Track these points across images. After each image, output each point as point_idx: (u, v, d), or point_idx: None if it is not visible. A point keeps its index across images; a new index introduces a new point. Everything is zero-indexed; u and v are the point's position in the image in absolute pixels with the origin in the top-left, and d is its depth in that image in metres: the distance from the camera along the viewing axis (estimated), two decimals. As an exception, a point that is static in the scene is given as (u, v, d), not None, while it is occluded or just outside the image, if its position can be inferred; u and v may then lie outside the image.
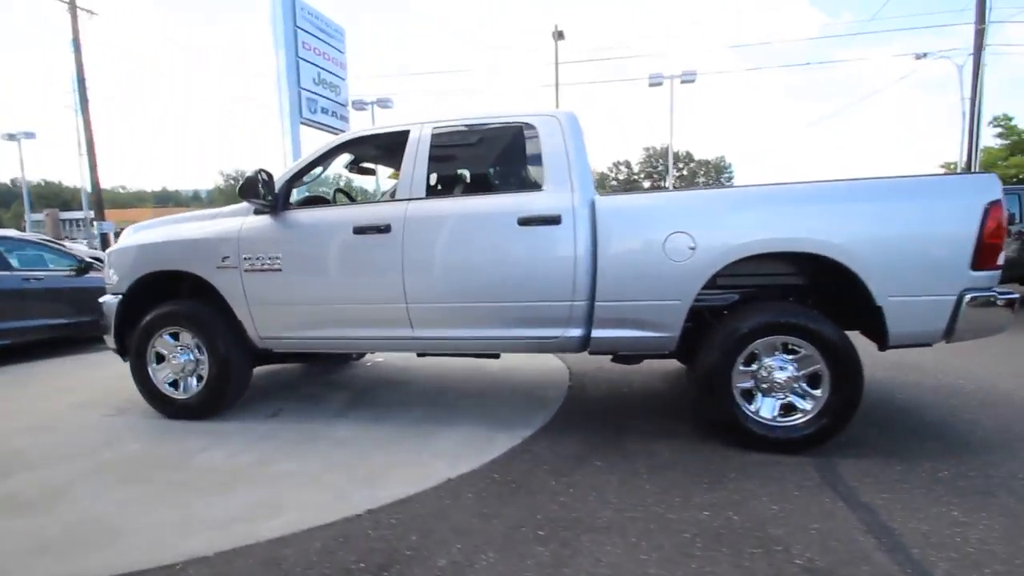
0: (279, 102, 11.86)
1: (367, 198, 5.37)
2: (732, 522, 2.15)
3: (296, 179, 3.51)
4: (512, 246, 3.03)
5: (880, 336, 2.77)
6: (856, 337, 2.85)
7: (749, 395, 2.85)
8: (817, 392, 2.75)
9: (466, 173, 3.79)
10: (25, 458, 3.02)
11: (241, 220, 3.47)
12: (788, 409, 2.81)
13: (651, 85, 20.15)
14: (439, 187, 3.64)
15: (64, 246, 7.68)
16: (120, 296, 3.71)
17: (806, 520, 2.15)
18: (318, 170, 3.64)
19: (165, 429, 3.44)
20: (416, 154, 3.26)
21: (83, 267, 6.52)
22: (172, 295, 3.78)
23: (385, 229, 3.17)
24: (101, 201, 19.10)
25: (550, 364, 4.91)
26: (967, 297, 2.62)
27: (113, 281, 3.76)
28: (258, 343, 3.52)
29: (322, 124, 12.49)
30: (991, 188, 2.63)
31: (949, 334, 2.69)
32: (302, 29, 11.93)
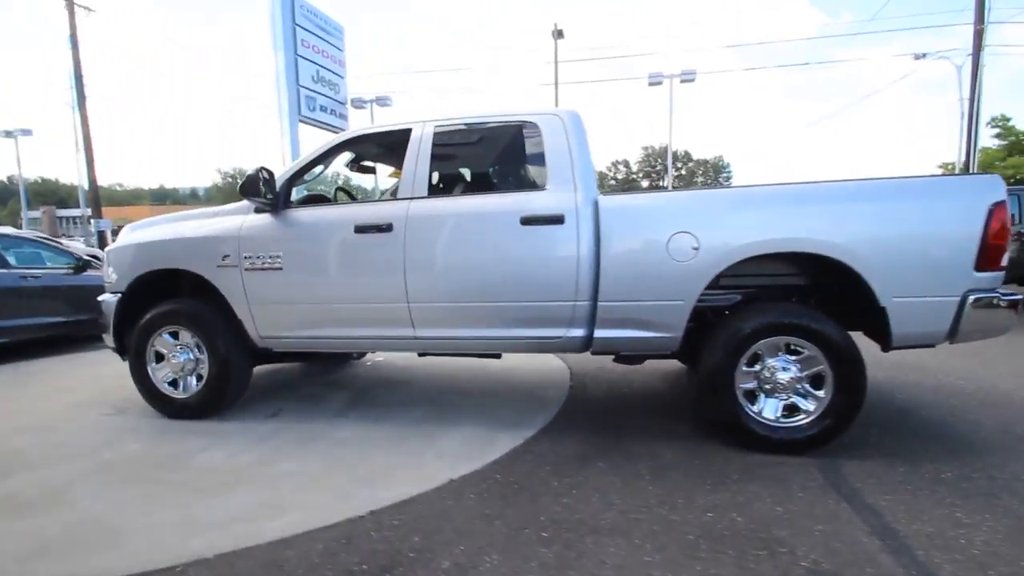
0: (278, 100, 11.84)
1: (366, 197, 5.36)
2: (736, 524, 2.14)
3: (297, 177, 3.49)
4: (515, 246, 3.02)
5: (883, 337, 2.76)
6: (857, 337, 2.84)
7: (752, 396, 2.85)
8: (820, 393, 2.75)
9: (468, 172, 3.77)
10: (24, 458, 3.00)
11: (242, 218, 3.44)
12: (791, 410, 2.80)
13: (651, 84, 20.12)
14: (441, 186, 3.62)
15: (61, 244, 7.65)
16: (119, 295, 3.69)
17: (810, 522, 2.15)
18: (319, 168, 3.62)
19: (165, 429, 3.42)
20: (418, 153, 3.24)
21: (81, 265, 6.50)
22: (171, 294, 3.76)
23: (387, 228, 3.15)
24: (98, 198, 19.03)
25: (550, 364, 4.90)
26: (971, 298, 2.61)
27: (112, 279, 3.74)
28: (258, 342, 3.51)
29: (321, 122, 12.47)
30: (995, 189, 2.62)
31: (953, 335, 2.69)
32: (301, 27, 11.90)
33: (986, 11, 16.37)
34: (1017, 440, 2.94)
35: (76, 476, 2.74)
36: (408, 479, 2.60)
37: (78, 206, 27.37)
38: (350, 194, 4.29)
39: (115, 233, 19.41)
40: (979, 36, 16.41)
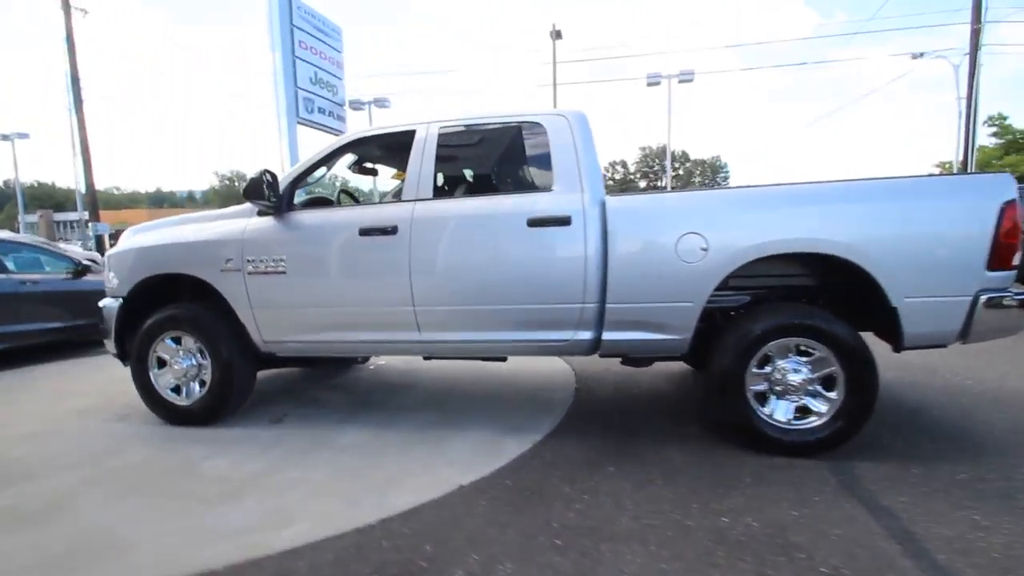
0: (276, 102, 11.79)
1: (367, 198, 5.31)
2: (752, 529, 2.11)
3: (301, 180, 3.46)
4: (521, 248, 2.99)
5: (895, 337, 2.73)
6: (865, 337, 2.81)
7: (763, 398, 2.82)
8: (832, 394, 2.72)
9: (473, 173, 3.74)
10: (26, 467, 2.96)
11: (244, 222, 3.41)
12: (803, 412, 2.77)
13: (649, 84, 20.13)
14: (446, 188, 3.59)
15: (59, 248, 7.59)
16: (120, 300, 3.65)
17: (827, 526, 2.12)
18: (323, 170, 3.58)
19: (168, 436, 3.37)
20: (423, 154, 3.21)
21: (80, 270, 6.44)
22: (173, 298, 3.72)
23: (392, 230, 3.12)
24: (96, 202, 18.93)
25: (555, 366, 4.87)
26: (983, 298, 2.59)
27: (113, 284, 3.70)
28: (262, 347, 3.47)
29: (319, 124, 12.42)
30: (1006, 187, 2.60)
31: (964, 335, 2.67)
32: (299, 28, 11.86)
33: (983, 10, 16.43)
34: (1030, 440, 2.92)
35: (79, 485, 2.70)
36: (417, 486, 2.56)
37: (75, 210, 27.27)
38: (353, 196, 4.26)
39: (113, 237, 19.36)
40: (976, 35, 16.46)
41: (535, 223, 2.95)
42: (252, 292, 3.35)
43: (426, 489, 2.52)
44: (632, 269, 2.87)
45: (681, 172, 58.21)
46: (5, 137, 25.83)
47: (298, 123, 11.82)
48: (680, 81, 20.17)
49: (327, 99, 12.80)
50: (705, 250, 2.75)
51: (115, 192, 76.49)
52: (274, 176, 3.24)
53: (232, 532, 2.21)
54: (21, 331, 5.83)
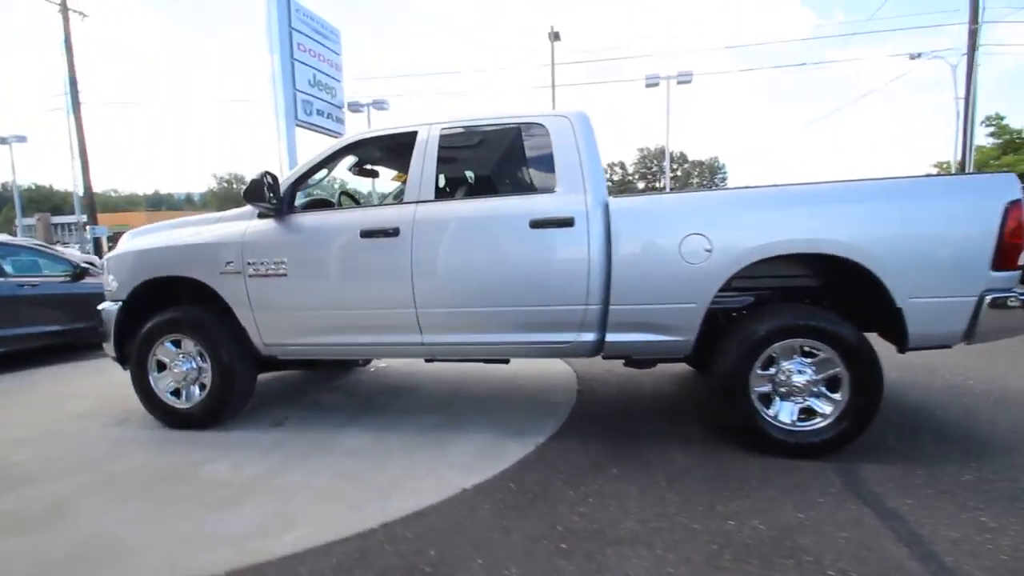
0: (274, 104, 11.76)
1: (366, 200, 5.29)
2: (759, 532, 2.10)
3: (301, 181, 3.44)
4: (524, 249, 2.97)
5: (900, 338, 2.72)
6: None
7: (767, 399, 2.81)
8: (837, 396, 2.71)
9: (475, 175, 3.73)
10: (25, 471, 2.94)
11: (245, 224, 3.39)
12: (807, 413, 2.76)
13: (648, 86, 20.15)
14: (448, 189, 3.57)
15: (57, 250, 7.56)
16: (120, 303, 3.62)
17: (834, 528, 2.10)
18: (324, 172, 3.57)
19: (168, 440, 3.35)
20: (424, 155, 3.20)
21: (79, 272, 6.42)
22: (173, 301, 3.70)
23: (393, 232, 3.10)
24: (94, 205, 18.91)
25: (556, 367, 4.85)
26: (988, 298, 2.58)
27: (112, 287, 3.67)
28: (262, 350, 3.45)
29: (318, 126, 12.40)
30: (1011, 187, 2.59)
31: (970, 336, 2.66)
32: (297, 31, 11.83)
33: (980, 11, 16.47)
34: (1034, 441, 2.91)
35: (79, 490, 2.67)
36: (420, 490, 2.54)
37: (73, 212, 27.23)
38: (354, 198, 4.24)
39: (111, 239, 19.32)
40: (973, 36, 16.50)
41: (538, 224, 2.94)
42: (253, 295, 3.33)
43: (429, 492, 2.50)
44: (635, 270, 2.86)
45: (679, 173, 58.25)
46: (3, 140, 25.76)
47: (297, 125, 11.79)
48: (679, 82, 20.19)
49: (326, 101, 12.78)
50: (709, 251, 2.73)
51: (113, 194, 76.34)
52: (275, 178, 3.22)
53: (233, 537, 2.19)
54: (19, 334, 5.80)
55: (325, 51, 12.84)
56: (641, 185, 58.18)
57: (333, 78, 13.16)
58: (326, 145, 3.56)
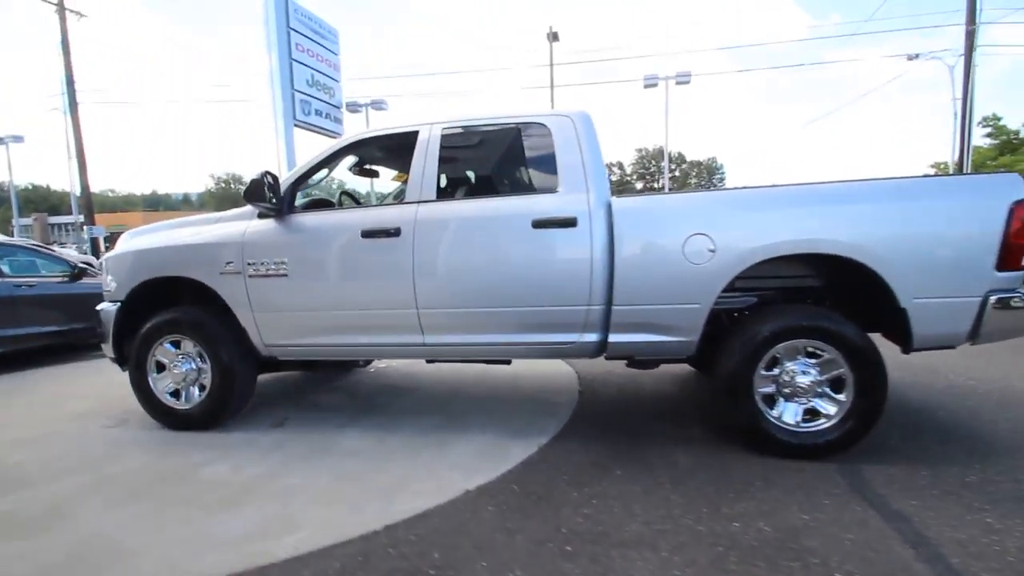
0: (273, 104, 11.73)
1: (365, 200, 5.25)
2: (764, 534, 2.08)
3: (302, 181, 3.42)
4: (526, 249, 2.96)
5: (904, 339, 2.72)
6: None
7: (771, 400, 2.79)
8: (841, 396, 2.70)
9: (477, 175, 3.71)
10: (24, 472, 2.91)
11: (245, 224, 3.37)
12: (811, 414, 2.75)
13: (647, 86, 20.18)
14: (449, 189, 3.56)
15: (55, 251, 7.53)
16: (119, 303, 3.60)
17: (840, 530, 2.09)
18: (324, 172, 3.55)
19: (167, 441, 3.33)
20: (426, 155, 3.18)
21: (76, 273, 6.38)
22: (172, 302, 3.67)
23: (395, 233, 3.08)
24: (91, 205, 18.85)
25: (557, 368, 4.84)
26: (992, 298, 2.57)
27: (111, 288, 3.65)
28: (263, 351, 3.43)
29: (316, 126, 12.37)
30: (1016, 187, 2.58)
31: (974, 336, 2.65)
32: (295, 31, 11.81)
33: (978, 12, 16.52)
34: (1038, 442, 2.91)
35: (78, 492, 2.65)
36: (422, 491, 2.52)
37: (71, 213, 27.13)
38: (355, 198, 4.22)
39: (108, 240, 19.25)
40: (971, 37, 16.53)
41: (540, 224, 2.93)
42: (253, 295, 3.31)
43: (432, 494, 2.48)
44: (639, 270, 2.84)
45: (677, 173, 58.32)
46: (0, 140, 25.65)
47: (295, 125, 11.76)
48: (677, 83, 20.21)
49: (324, 101, 12.75)
50: (713, 251, 2.72)
51: (110, 195, 76.14)
52: (275, 178, 3.20)
53: (234, 539, 2.17)
54: (17, 335, 5.77)
55: (323, 51, 12.82)
56: (639, 185, 58.24)
57: (331, 78, 13.14)
58: (325, 145, 3.54)
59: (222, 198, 60.76)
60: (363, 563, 1.97)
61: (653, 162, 57.87)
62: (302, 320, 3.29)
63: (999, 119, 23.64)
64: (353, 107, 19.17)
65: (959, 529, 2.08)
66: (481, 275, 3.02)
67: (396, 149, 3.58)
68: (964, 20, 16.51)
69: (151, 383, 3.52)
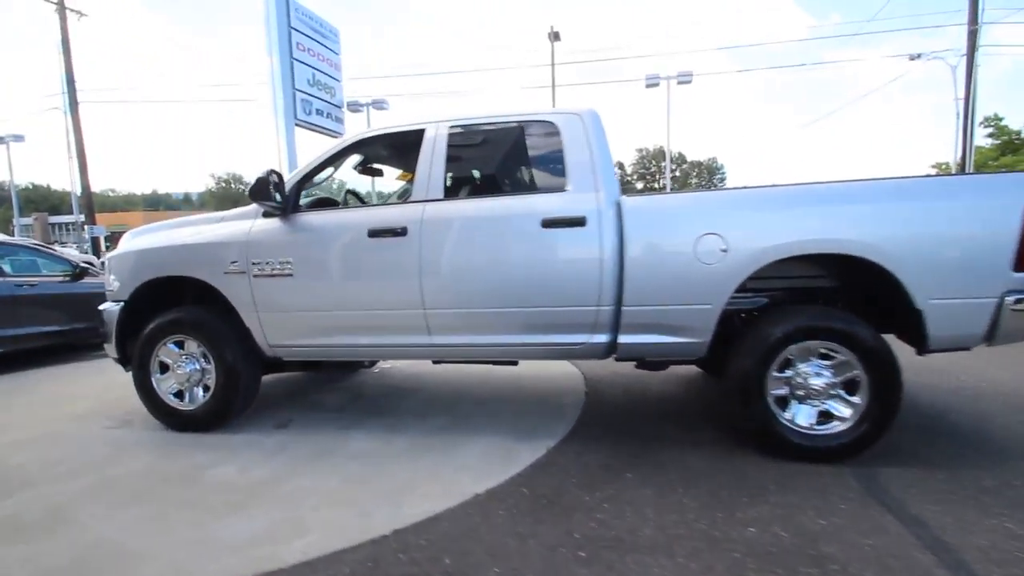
0: (273, 104, 11.69)
1: (369, 199, 5.21)
2: (781, 539, 2.04)
3: (307, 180, 3.38)
4: (535, 249, 2.92)
5: (919, 340, 2.68)
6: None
7: (784, 402, 2.75)
8: (855, 399, 2.65)
9: (484, 173, 3.67)
10: (26, 474, 2.88)
11: (249, 223, 3.33)
12: (825, 416, 2.71)
13: (648, 86, 20.14)
14: (456, 188, 3.52)
15: (56, 250, 7.49)
16: (122, 303, 3.56)
17: (858, 536, 2.05)
18: (329, 171, 3.51)
19: (171, 442, 3.29)
20: (432, 154, 3.14)
21: (78, 272, 6.34)
22: (176, 302, 3.63)
23: (401, 232, 3.04)
24: (92, 204, 18.80)
25: (563, 369, 4.79)
26: (1009, 299, 2.53)
27: (114, 288, 3.61)
28: (267, 351, 3.39)
29: (317, 126, 12.34)
30: (1032, 187, 2.54)
31: (990, 338, 2.61)
32: (296, 30, 11.77)
33: (980, 12, 16.48)
34: (1053, 445, 2.87)
35: (81, 494, 2.61)
36: (431, 494, 2.48)
37: (71, 212, 27.08)
38: (360, 197, 4.18)
39: (108, 239, 19.22)
40: (973, 36, 16.49)
41: (549, 224, 2.89)
42: (257, 295, 3.27)
43: (440, 498, 2.44)
44: (649, 270, 2.80)
45: (678, 173, 58.28)
46: (0, 139, 25.59)
47: (296, 125, 11.72)
48: (679, 83, 20.18)
49: (325, 101, 12.71)
50: (725, 251, 2.68)
51: (111, 194, 76.06)
52: (280, 176, 3.16)
53: (241, 544, 2.13)
54: (18, 335, 5.73)
55: (324, 51, 12.78)
56: (640, 185, 58.18)
57: (332, 77, 13.10)
58: (327, 144, 3.50)
59: (222, 198, 60.72)
60: (373, 569, 1.93)
61: (654, 162, 57.85)
62: (307, 320, 3.25)
63: (1001, 119, 23.64)
64: (354, 107, 19.14)
65: (979, 535, 2.04)
66: (489, 275, 2.98)
67: (402, 147, 3.54)
68: (966, 20, 16.48)
69: (154, 383, 3.48)
